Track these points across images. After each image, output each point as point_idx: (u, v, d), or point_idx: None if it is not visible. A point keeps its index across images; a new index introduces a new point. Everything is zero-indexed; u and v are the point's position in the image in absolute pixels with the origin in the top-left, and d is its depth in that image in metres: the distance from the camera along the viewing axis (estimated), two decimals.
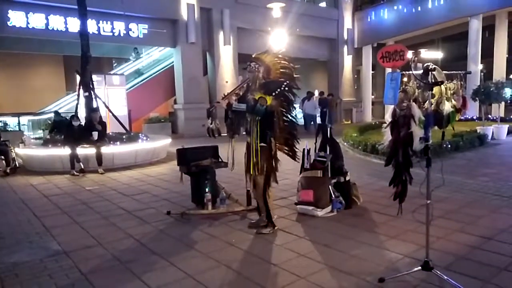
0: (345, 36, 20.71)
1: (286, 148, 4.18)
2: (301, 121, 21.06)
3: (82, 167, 7.88)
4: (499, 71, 16.55)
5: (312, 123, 15.03)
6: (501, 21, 16.87)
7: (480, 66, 15.88)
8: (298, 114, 22.84)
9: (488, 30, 17.72)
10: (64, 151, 7.90)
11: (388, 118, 3.11)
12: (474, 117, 13.67)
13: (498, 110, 12.26)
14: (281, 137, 4.06)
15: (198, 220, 4.48)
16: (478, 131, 10.24)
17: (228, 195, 5.01)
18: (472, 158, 8.12)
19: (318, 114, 15.63)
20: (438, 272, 2.81)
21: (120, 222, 4.54)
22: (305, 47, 18.79)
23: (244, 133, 4.12)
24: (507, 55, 17.22)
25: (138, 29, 14.30)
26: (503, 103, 11.77)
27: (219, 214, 4.62)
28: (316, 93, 16.75)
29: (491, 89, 10.59)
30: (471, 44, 15.58)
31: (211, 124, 4.29)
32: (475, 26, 15.43)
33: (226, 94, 4.01)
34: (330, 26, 20.17)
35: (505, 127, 11.10)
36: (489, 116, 13.00)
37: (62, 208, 5.28)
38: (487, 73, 17.23)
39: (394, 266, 3.11)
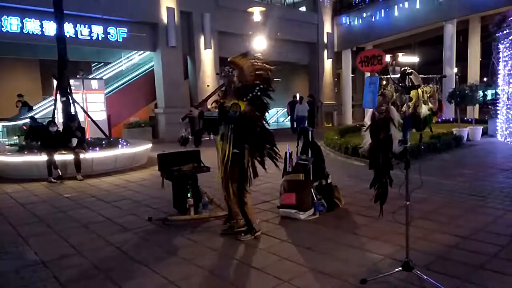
0: (325, 40, 20.98)
1: (259, 157, 3.91)
2: (283, 124, 21.30)
3: (60, 173, 7.69)
4: (473, 75, 17.12)
5: (302, 125, 15.22)
6: (474, 26, 17.46)
7: (455, 70, 16.36)
8: (280, 117, 23.10)
9: (462, 35, 18.32)
10: (41, 158, 7.69)
11: (367, 121, 3.16)
12: (450, 119, 14.07)
13: (473, 112, 12.63)
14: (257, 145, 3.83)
15: (180, 226, 4.43)
16: (454, 132, 10.53)
17: (210, 200, 4.98)
18: (449, 159, 8.34)
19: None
20: (418, 272, 2.87)
21: (99, 230, 4.44)
22: (285, 51, 18.95)
23: (207, 138, 4.03)
24: (480, 59, 17.82)
25: (117, 33, 14.11)
26: (477, 105, 12.13)
27: (202, 220, 4.59)
28: (298, 96, 16.91)
29: (466, 92, 10.92)
30: (446, 48, 16.04)
31: (184, 132, 4.17)
32: (450, 31, 15.90)
33: (200, 102, 3.95)
34: (310, 30, 20.40)
35: (479, 128, 11.45)
36: (465, 118, 13.40)
37: (39, 216, 5.13)
38: (462, 76, 17.77)
39: (376, 267, 3.15)
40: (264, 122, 3.90)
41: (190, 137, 4.13)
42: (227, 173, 3.83)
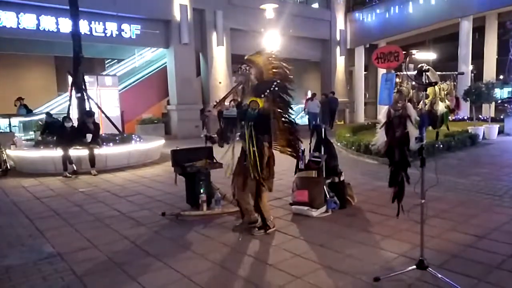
0: (338, 37, 20.80)
1: (289, 150, 4.14)
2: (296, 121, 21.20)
3: (75, 168, 7.81)
4: (489, 72, 16.77)
5: (314, 122, 15.16)
6: (490, 23, 17.09)
7: (471, 67, 16.06)
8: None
9: (478, 32, 17.96)
10: (56, 153, 7.83)
11: (382, 118, 3.12)
12: (466, 117, 13.84)
13: (489, 110, 12.41)
14: (282, 139, 3.99)
15: (193, 221, 4.47)
16: (469, 131, 10.36)
17: (223, 196, 5.00)
18: (464, 158, 8.21)
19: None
20: (433, 270, 2.84)
21: (114, 224, 4.51)
22: (298, 48, 18.84)
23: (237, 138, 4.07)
24: (496, 56, 17.45)
25: (130, 30, 14.22)
26: (493, 103, 11.92)
27: (214, 215, 4.62)
28: (309, 93, 16.83)
29: (482, 90, 10.73)
30: (461, 45, 15.74)
31: (206, 132, 4.25)
32: (466, 27, 15.61)
33: (217, 101, 3.98)
34: (323, 27, 20.25)
35: (495, 127, 11.24)
36: (480, 116, 13.17)
37: (55, 210, 5.23)
38: (477, 74, 17.46)
39: (389, 265, 3.13)
40: (289, 118, 3.99)
41: (214, 136, 4.19)
42: (246, 170, 3.84)
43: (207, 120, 4.09)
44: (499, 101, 15.80)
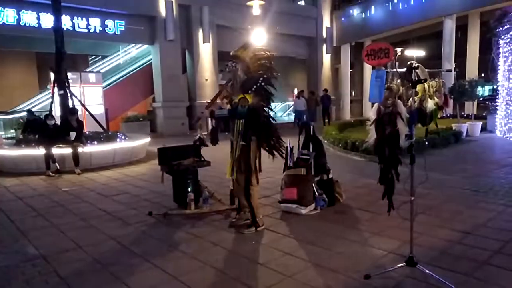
0: (324, 35, 20.90)
1: (267, 147, 4.02)
2: (281, 119, 21.25)
3: (58, 167, 7.63)
4: (472, 70, 17.10)
5: (298, 119, 15.23)
6: (473, 21, 17.42)
7: (454, 65, 16.37)
8: (279, 111, 23.05)
9: (461, 30, 18.28)
10: (39, 151, 7.63)
11: (372, 115, 3.11)
12: (449, 115, 14.07)
13: (472, 107, 12.65)
14: (263, 135, 3.90)
15: (181, 221, 4.40)
16: (453, 128, 10.53)
17: (211, 195, 4.95)
18: (449, 155, 8.34)
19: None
20: (422, 267, 2.85)
21: (100, 224, 4.41)
22: (284, 45, 18.85)
23: (226, 133, 4.02)
24: (479, 55, 17.79)
25: (114, 26, 13.99)
26: (476, 100, 12.16)
27: (202, 214, 4.56)
28: (296, 91, 16.92)
29: (465, 87, 10.91)
30: (445, 43, 16.00)
31: (202, 135, 4.21)
32: (449, 26, 15.87)
33: (209, 102, 3.95)
34: (309, 24, 20.31)
35: (478, 124, 11.47)
36: (463, 113, 13.41)
37: (38, 210, 5.09)
38: (460, 72, 17.76)
39: (379, 262, 3.13)
40: (270, 113, 3.92)
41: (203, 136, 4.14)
42: (237, 165, 3.82)
43: (201, 121, 4.04)
44: (481, 99, 16.12)
